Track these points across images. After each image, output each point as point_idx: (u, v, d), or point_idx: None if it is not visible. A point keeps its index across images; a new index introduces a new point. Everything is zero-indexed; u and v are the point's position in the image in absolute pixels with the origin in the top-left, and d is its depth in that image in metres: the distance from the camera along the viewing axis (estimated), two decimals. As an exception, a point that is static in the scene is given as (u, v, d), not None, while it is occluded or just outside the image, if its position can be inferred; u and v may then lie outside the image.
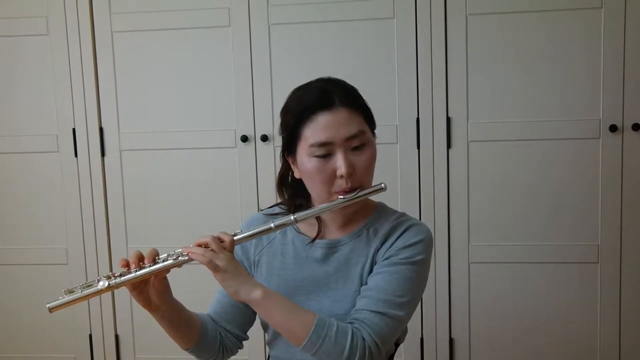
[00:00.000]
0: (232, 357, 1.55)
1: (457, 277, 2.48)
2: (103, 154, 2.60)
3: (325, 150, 1.32)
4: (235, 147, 2.52)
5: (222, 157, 2.53)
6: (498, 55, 2.36)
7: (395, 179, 2.43)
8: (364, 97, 1.40)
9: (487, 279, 2.47)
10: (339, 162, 1.31)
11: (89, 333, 2.71)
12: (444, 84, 2.39)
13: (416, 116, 2.41)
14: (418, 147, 2.43)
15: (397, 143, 2.43)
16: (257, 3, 2.44)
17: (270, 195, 2.48)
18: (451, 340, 2.52)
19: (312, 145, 1.32)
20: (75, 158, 2.61)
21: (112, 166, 2.61)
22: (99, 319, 2.70)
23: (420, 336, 2.52)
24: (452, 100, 2.40)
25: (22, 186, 2.66)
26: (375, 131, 1.42)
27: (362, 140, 1.34)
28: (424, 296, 2.47)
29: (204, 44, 2.50)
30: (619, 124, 2.31)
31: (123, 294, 2.59)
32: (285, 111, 1.39)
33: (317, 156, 1.32)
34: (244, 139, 2.49)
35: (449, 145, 2.42)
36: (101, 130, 2.59)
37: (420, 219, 2.44)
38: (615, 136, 2.33)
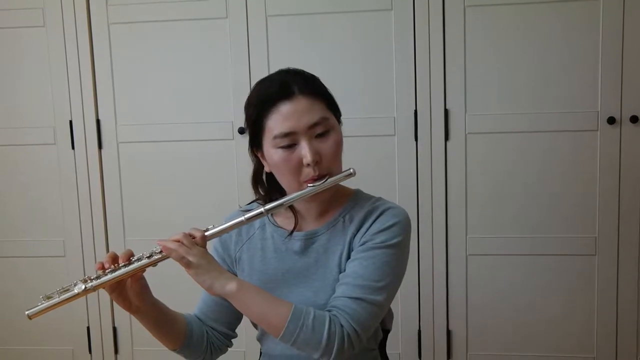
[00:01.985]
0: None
1: (455, 269, 2.48)
2: (100, 146, 2.60)
3: (290, 140, 1.31)
4: (233, 139, 2.51)
5: (219, 149, 2.53)
6: (496, 47, 2.35)
7: (393, 172, 2.43)
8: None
9: (485, 271, 2.47)
10: (304, 151, 1.31)
11: (86, 325, 2.72)
12: (442, 76, 2.38)
13: (414, 108, 2.41)
14: (416, 140, 2.42)
15: (394, 135, 2.42)
16: (255, -6, 2.43)
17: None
18: (449, 332, 2.53)
19: (276, 137, 1.32)
20: (72, 150, 2.61)
21: (109, 158, 2.60)
22: (96, 311, 2.70)
23: (417, 328, 2.52)
24: (450, 92, 2.39)
25: (19, 179, 2.66)
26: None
27: (325, 127, 1.33)
28: (421, 288, 2.50)
29: (201, 36, 2.49)
30: (617, 117, 2.31)
31: (121, 286, 2.60)
32: (248, 105, 1.39)
33: (282, 147, 1.32)
34: (241, 131, 2.48)
35: (447, 138, 2.41)
36: (98, 122, 2.58)
37: (418, 211, 2.44)
38: (613, 128, 2.32)
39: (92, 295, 2.65)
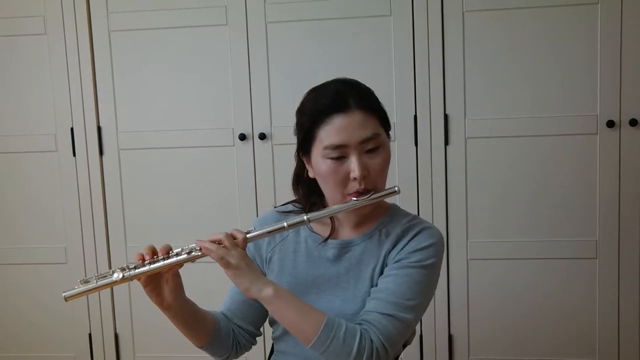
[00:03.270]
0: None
1: (456, 273, 2.48)
2: (101, 153, 2.60)
3: (340, 153, 1.32)
4: (234, 145, 2.52)
5: (220, 156, 2.53)
6: (495, 51, 2.36)
7: (393, 176, 2.43)
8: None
9: (486, 275, 2.47)
10: (353, 165, 1.32)
11: (88, 332, 2.71)
12: (442, 81, 2.39)
13: (414, 113, 2.42)
14: (416, 144, 2.43)
15: (394, 140, 2.43)
16: (254, 1, 2.44)
17: (268, 193, 2.49)
18: (450, 337, 2.53)
19: (326, 148, 1.32)
20: (74, 157, 2.61)
21: (110, 165, 2.61)
22: (98, 317, 2.70)
23: (419, 333, 2.52)
24: (449, 97, 2.40)
25: (21, 185, 2.66)
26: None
27: (376, 143, 1.34)
28: (422, 293, 2.49)
29: (202, 43, 2.50)
30: (616, 120, 2.31)
31: (122, 292, 2.61)
32: (301, 112, 1.40)
33: (331, 158, 1.33)
34: (242, 137, 2.49)
35: (446, 142, 2.42)
36: (99, 129, 2.59)
37: (418, 216, 2.44)
38: (612, 132, 2.33)
39: (94, 303, 2.67)
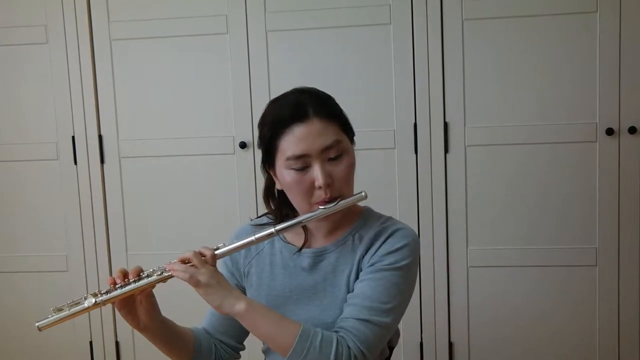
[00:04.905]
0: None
1: (456, 281, 2.48)
2: (102, 161, 2.61)
3: (302, 163, 1.31)
4: (234, 153, 2.53)
5: (220, 164, 2.54)
6: (494, 59, 2.37)
7: (393, 184, 2.44)
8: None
9: (486, 282, 2.47)
10: (316, 174, 1.31)
11: (89, 340, 2.72)
12: (441, 89, 2.40)
13: (414, 121, 2.42)
14: (416, 152, 2.44)
15: (394, 148, 2.44)
16: (255, 10, 2.45)
17: (269, 201, 2.49)
18: (450, 345, 2.52)
19: (288, 158, 1.32)
20: (75, 165, 2.62)
21: (111, 173, 2.62)
22: (99, 326, 2.70)
23: (419, 340, 2.52)
24: (449, 105, 2.41)
25: (22, 194, 2.67)
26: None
27: (338, 150, 1.33)
28: (423, 300, 2.50)
29: (202, 51, 2.51)
30: (615, 128, 2.32)
31: (123, 300, 2.61)
32: (262, 124, 1.39)
33: (294, 169, 1.32)
34: (243, 145, 2.50)
35: (446, 150, 2.42)
36: (100, 137, 2.60)
37: (418, 223, 2.45)
38: (612, 139, 2.33)
39: (95, 310, 2.66)
